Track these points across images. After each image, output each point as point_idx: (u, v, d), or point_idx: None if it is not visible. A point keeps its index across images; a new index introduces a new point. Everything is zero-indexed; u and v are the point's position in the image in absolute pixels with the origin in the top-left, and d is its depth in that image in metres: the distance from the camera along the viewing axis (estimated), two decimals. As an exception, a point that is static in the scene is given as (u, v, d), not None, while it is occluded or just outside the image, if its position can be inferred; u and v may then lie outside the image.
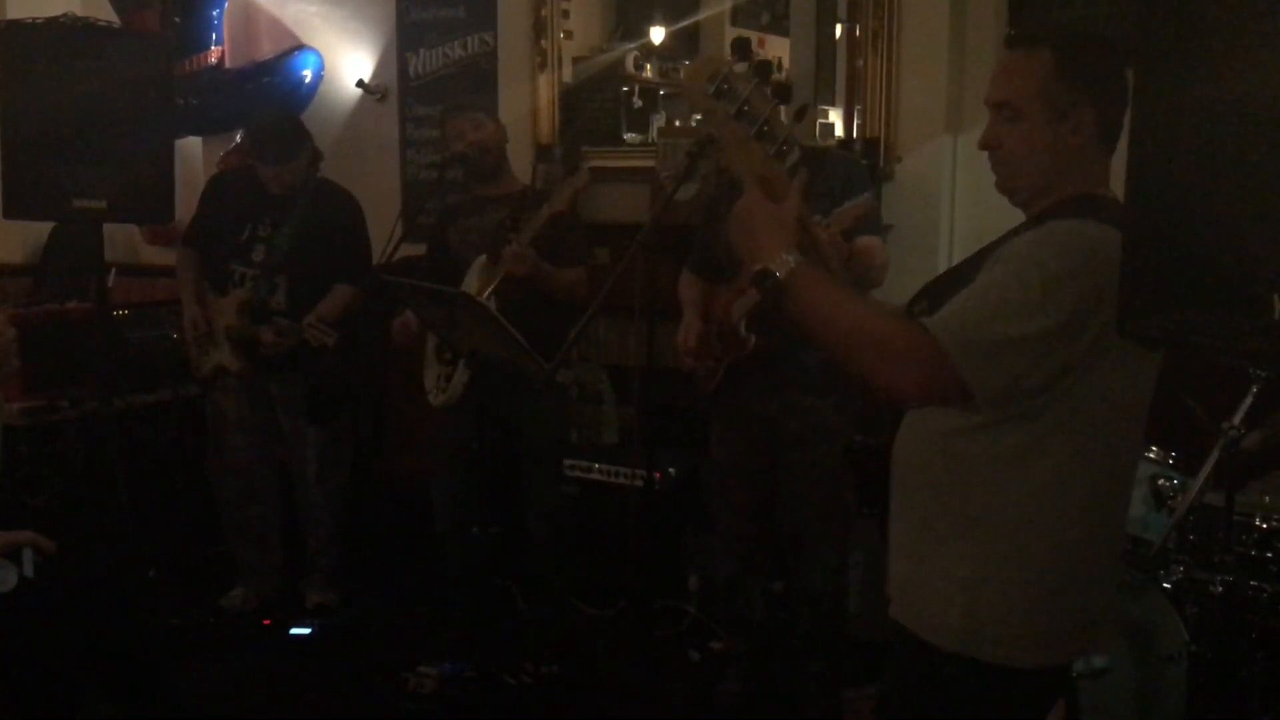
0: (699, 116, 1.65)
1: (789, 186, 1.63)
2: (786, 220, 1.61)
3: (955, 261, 2.24)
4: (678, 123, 5.46)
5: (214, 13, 5.19)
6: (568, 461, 3.90)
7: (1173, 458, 2.92)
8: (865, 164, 3.75)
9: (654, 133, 5.21)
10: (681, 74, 1.49)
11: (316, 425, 3.80)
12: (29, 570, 2.33)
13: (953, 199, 3.88)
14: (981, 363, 1.52)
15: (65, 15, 3.54)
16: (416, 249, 3.71)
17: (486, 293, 3.32)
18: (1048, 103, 1.64)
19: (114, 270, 4.47)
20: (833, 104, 4.56)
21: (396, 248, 3.46)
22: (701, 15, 6.08)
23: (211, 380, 3.87)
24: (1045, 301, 1.51)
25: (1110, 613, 1.73)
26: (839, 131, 4.29)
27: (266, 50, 5.20)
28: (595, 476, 4.01)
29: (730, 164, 1.63)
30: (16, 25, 3.53)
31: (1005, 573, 1.61)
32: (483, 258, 3.41)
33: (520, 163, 4.34)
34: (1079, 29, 3.57)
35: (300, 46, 5.11)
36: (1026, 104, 1.65)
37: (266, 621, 3.87)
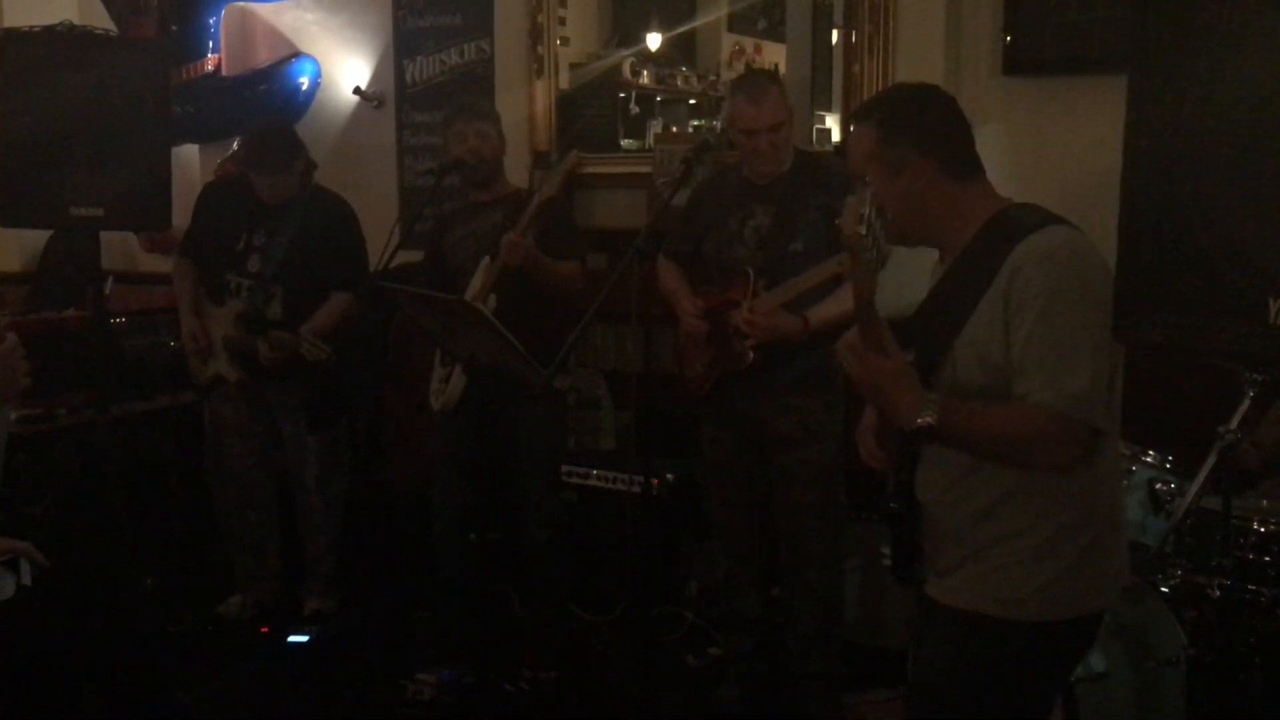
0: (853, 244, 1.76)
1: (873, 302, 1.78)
2: (904, 369, 1.74)
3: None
4: (674, 129, 5.48)
5: (211, 21, 5.19)
6: (565, 467, 3.90)
7: (1170, 461, 2.92)
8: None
9: (651, 139, 5.23)
10: (842, 218, 1.66)
11: (315, 433, 3.80)
12: (27, 579, 2.33)
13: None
14: (1097, 403, 1.72)
15: (62, 23, 3.53)
16: (414, 255, 3.71)
17: (487, 290, 3.32)
18: (881, 166, 1.85)
19: (111, 278, 4.46)
20: (829, 109, 4.57)
21: (394, 254, 3.46)
22: (698, 21, 6.11)
23: (211, 388, 3.88)
24: (1086, 315, 1.70)
25: (1127, 561, 1.95)
26: (836, 137, 4.30)
27: (263, 58, 5.20)
28: (593, 482, 4.01)
29: (860, 291, 1.74)
30: (14, 33, 3.54)
31: (1071, 544, 1.82)
32: (486, 259, 3.42)
33: (518, 169, 4.34)
34: (1071, 36, 3.59)
35: (297, 54, 5.11)
36: (867, 170, 1.86)
37: (264, 629, 3.87)
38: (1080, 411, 1.70)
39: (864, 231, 1.68)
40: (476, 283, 3.40)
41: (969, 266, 1.83)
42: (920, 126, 1.85)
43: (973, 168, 1.88)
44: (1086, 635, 1.94)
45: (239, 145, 5.10)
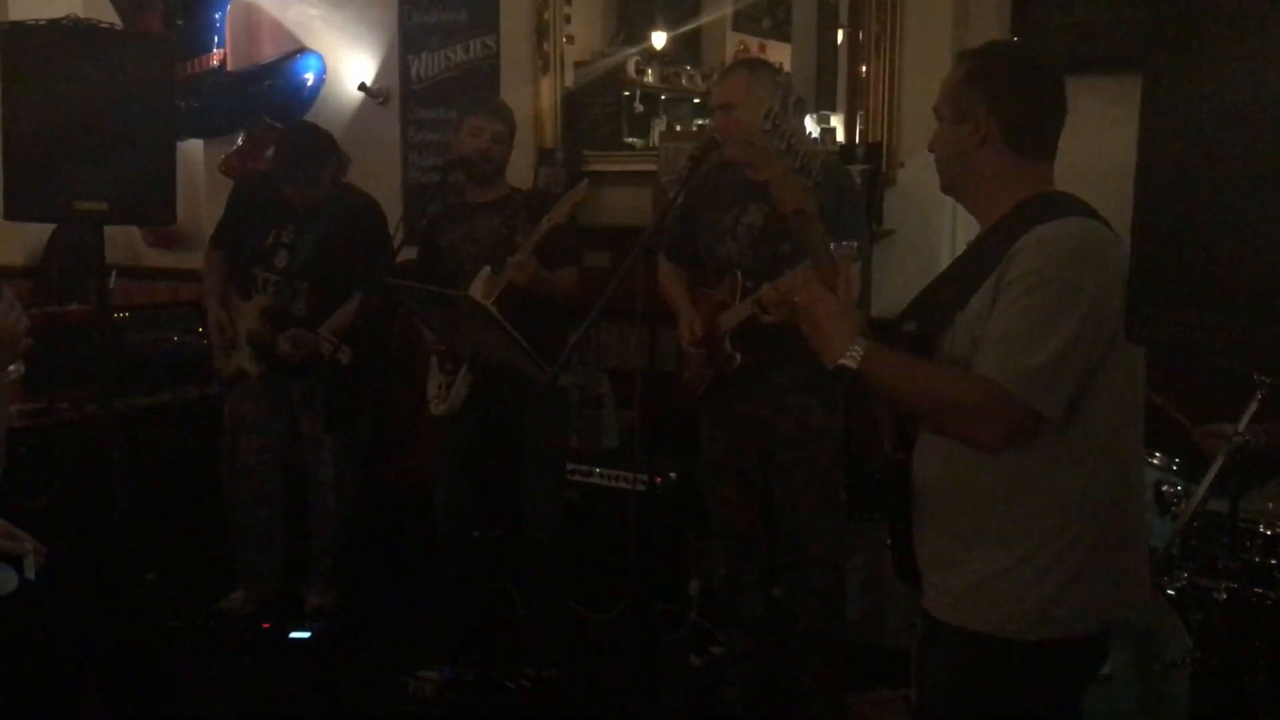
0: (758, 156, 1.78)
1: (819, 217, 1.77)
2: (846, 310, 1.76)
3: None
4: (679, 127, 5.47)
5: (216, 15, 5.18)
6: (568, 465, 3.89)
7: (1176, 463, 2.91)
8: (865, 168, 3.74)
9: (655, 137, 5.21)
10: (735, 116, 1.59)
11: (333, 431, 3.80)
12: (30, 573, 2.32)
13: (955, 204, 3.86)
14: (1046, 389, 1.65)
15: (67, 17, 3.53)
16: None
17: (489, 301, 3.32)
18: (953, 106, 1.84)
19: (115, 272, 4.46)
20: (834, 109, 4.55)
21: (398, 251, 3.45)
22: (703, 20, 6.10)
23: (233, 381, 3.88)
24: (1067, 303, 1.64)
25: (1148, 573, 1.86)
26: (840, 137, 4.29)
27: (268, 53, 5.19)
28: (596, 480, 4.00)
29: (781, 200, 1.76)
30: (19, 27, 3.53)
31: (1063, 556, 1.73)
32: (486, 270, 3.41)
33: (522, 166, 4.33)
34: (1076, 35, 3.59)
35: (302, 49, 5.10)
36: (941, 108, 1.87)
37: (266, 625, 3.86)
38: (1020, 389, 1.63)
39: (769, 127, 1.67)
40: (478, 292, 3.39)
41: (987, 243, 1.79)
42: (999, 84, 1.81)
43: (1040, 148, 1.83)
44: (1095, 652, 1.84)
45: (244, 141, 5.11)
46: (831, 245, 2.82)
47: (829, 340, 1.74)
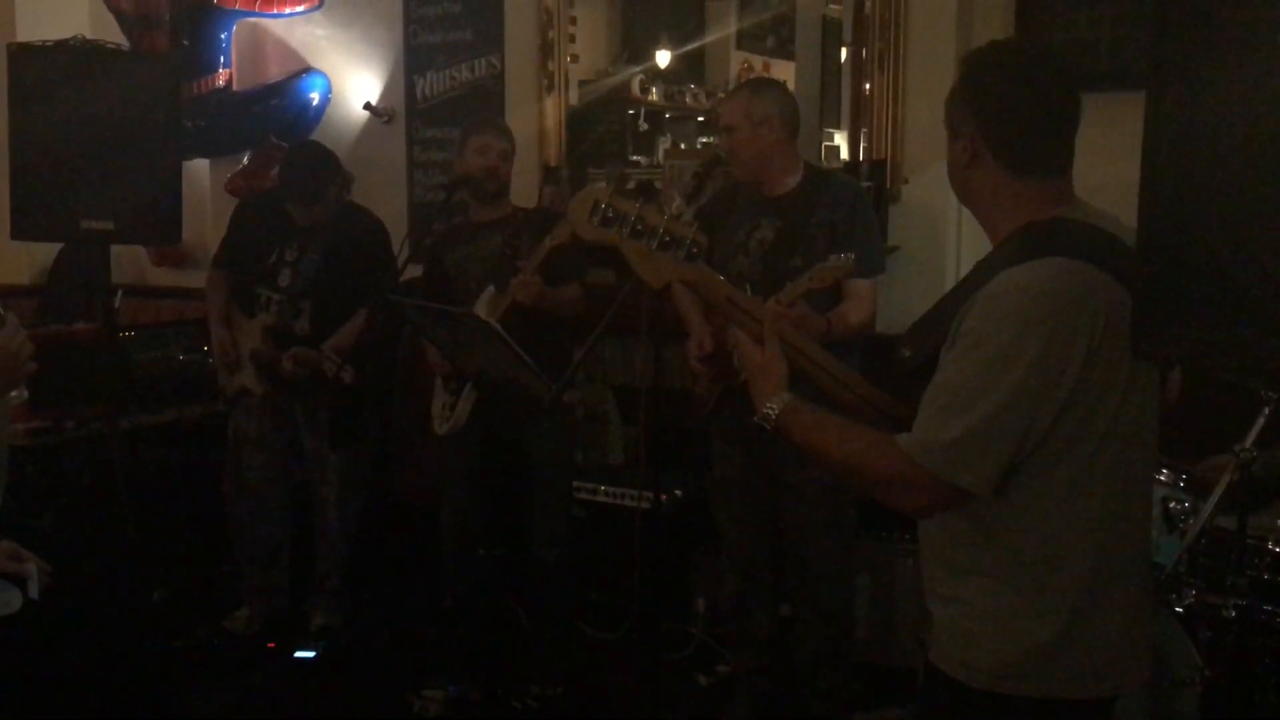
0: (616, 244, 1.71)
1: (716, 280, 1.71)
2: (770, 365, 1.70)
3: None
4: (683, 145, 5.49)
5: (222, 35, 5.22)
6: (574, 483, 3.89)
7: (1184, 480, 2.90)
8: (870, 185, 3.75)
9: (660, 154, 5.23)
10: (568, 216, 1.53)
11: (338, 448, 3.80)
12: (34, 592, 2.31)
13: (960, 220, 3.87)
14: (966, 464, 1.52)
15: (75, 37, 3.55)
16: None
17: (494, 320, 3.32)
18: (948, 118, 1.68)
19: (121, 291, 4.47)
20: (839, 127, 4.57)
21: (403, 269, 3.46)
22: (707, 39, 6.13)
23: (236, 400, 3.88)
24: (1000, 369, 1.50)
25: (1146, 642, 1.69)
26: (845, 154, 4.30)
27: (274, 73, 5.22)
28: (601, 498, 4.00)
29: (646, 280, 1.67)
30: (26, 47, 3.55)
31: (1028, 606, 1.59)
32: (491, 289, 3.42)
33: (527, 184, 4.34)
34: (1079, 52, 3.59)
35: (308, 69, 5.13)
36: (946, 125, 1.70)
37: (271, 644, 3.85)
38: (931, 462, 1.51)
39: (597, 222, 1.61)
40: (483, 309, 3.40)
41: (972, 277, 1.63)
42: (986, 94, 1.63)
43: (1040, 166, 1.62)
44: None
45: (250, 159, 5.13)
46: (831, 256, 2.85)
47: (755, 395, 1.69)
